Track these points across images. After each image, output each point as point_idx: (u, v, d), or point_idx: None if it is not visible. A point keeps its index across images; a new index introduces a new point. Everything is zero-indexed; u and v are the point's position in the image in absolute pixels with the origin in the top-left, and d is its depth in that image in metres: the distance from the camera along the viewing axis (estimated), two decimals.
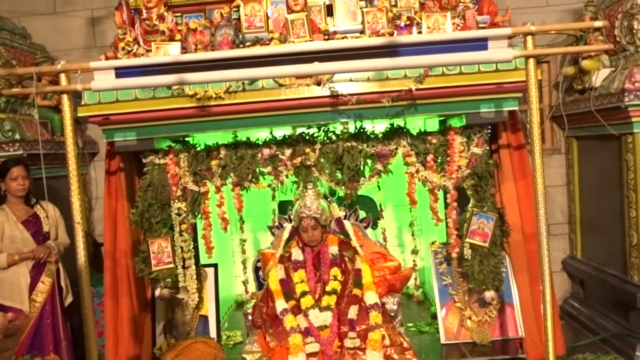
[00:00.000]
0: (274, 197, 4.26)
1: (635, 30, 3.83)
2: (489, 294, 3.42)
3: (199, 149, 3.44)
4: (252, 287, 4.20)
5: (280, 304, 3.17)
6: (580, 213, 4.80)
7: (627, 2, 3.95)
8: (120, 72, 2.59)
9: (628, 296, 3.87)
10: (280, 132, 3.44)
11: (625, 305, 3.96)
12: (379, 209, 4.32)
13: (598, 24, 2.90)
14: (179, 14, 3.54)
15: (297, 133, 3.39)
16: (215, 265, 3.88)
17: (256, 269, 4.03)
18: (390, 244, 4.27)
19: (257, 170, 3.40)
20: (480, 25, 3.29)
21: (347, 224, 3.59)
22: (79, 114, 3.18)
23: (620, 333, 3.95)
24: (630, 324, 3.92)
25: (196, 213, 3.48)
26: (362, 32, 3.33)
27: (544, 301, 2.62)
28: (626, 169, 3.92)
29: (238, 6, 3.41)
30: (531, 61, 2.55)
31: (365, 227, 3.83)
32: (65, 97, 2.62)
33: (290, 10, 3.32)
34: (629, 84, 3.74)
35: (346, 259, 3.37)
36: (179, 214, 3.43)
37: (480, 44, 2.51)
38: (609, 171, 4.16)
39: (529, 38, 2.55)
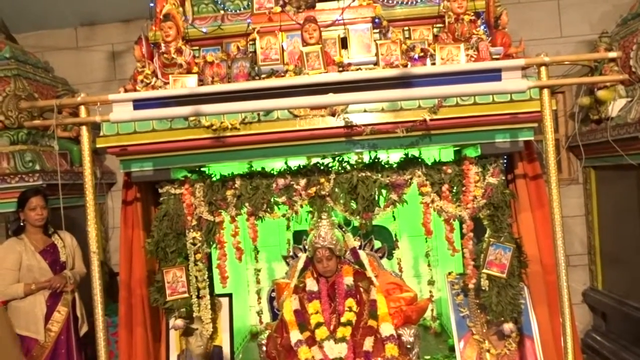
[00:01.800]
0: (288, 227, 4.23)
1: None
2: (508, 326, 3.34)
3: (214, 179, 3.46)
4: (266, 317, 4.17)
5: (295, 335, 3.14)
6: (600, 244, 4.71)
7: None
8: (138, 104, 2.65)
9: None
10: (295, 162, 3.46)
11: None
12: (394, 239, 4.28)
13: (612, 54, 2.93)
14: (197, 48, 3.63)
15: (311, 163, 3.40)
16: (229, 295, 3.85)
17: (270, 299, 4.00)
18: (406, 274, 4.21)
19: (272, 200, 3.40)
20: (494, 57, 3.29)
21: (362, 254, 3.57)
22: (98, 145, 3.23)
23: None
24: None
25: (211, 243, 3.48)
26: (376, 63, 3.36)
27: (564, 334, 2.56)
28: None
29: (254, 39, 3.47)
30: (545, 92, 2.55)
31: (381, 257, 3.80)
32: (84, 128, 2.68)
33: (305, 43, 3.37)
34: None
35: (361, 289, 3.34)
36: (194, 244, 3.43)
37: (494, 74, 2.53)
38: (628, 201, 4.10)
39: (543, 69, 2.56)
